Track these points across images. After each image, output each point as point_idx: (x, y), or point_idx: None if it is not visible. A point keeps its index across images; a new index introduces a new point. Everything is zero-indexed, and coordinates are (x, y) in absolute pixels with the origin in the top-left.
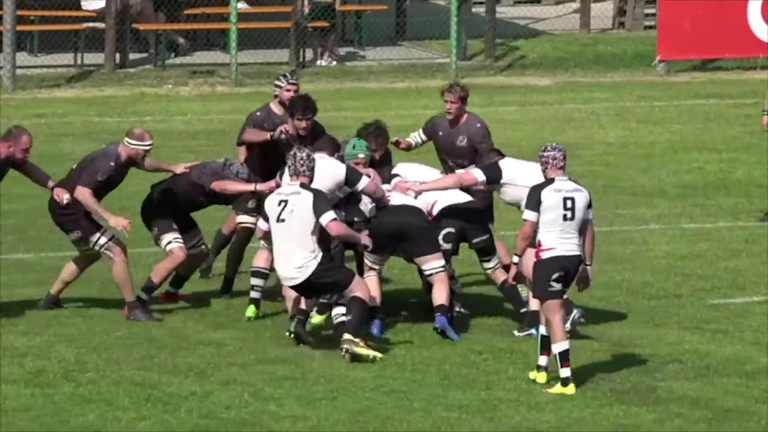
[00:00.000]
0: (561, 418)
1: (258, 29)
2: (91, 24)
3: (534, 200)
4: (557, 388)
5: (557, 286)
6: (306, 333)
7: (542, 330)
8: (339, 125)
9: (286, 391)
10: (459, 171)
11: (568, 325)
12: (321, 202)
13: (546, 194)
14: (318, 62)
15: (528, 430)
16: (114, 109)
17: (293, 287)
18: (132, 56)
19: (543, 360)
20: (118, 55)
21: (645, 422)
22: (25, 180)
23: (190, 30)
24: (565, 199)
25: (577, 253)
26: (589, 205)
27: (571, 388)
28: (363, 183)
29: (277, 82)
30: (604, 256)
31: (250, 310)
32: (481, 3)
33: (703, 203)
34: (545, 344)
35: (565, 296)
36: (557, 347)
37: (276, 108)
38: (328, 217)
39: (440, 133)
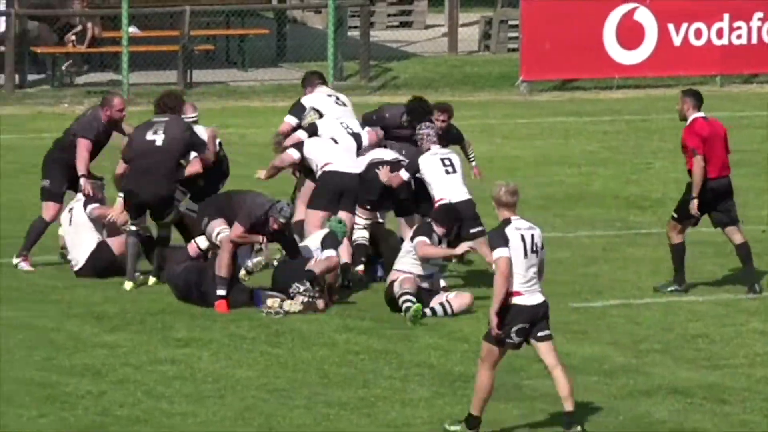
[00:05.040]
0: (433, 414)
1: (148, 52)
2: None
3: None
4: None
5: None
6: None
7: None
8: (224, 141)
9: (177, 390)
10: None
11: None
12: None
13: None
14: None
15: (403, 425)
16: (14, 126)
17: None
18: (30, 77)
19: None
20: (17, 76)
21: (511, 417)
22: None
23: (85, 53)
24: None
25: None
26: None
27: None
28: None
29: None
30: (478, 264)
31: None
32: (355, 27)
33: (564, 214)
34: None
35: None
36: None
37: None
38: None
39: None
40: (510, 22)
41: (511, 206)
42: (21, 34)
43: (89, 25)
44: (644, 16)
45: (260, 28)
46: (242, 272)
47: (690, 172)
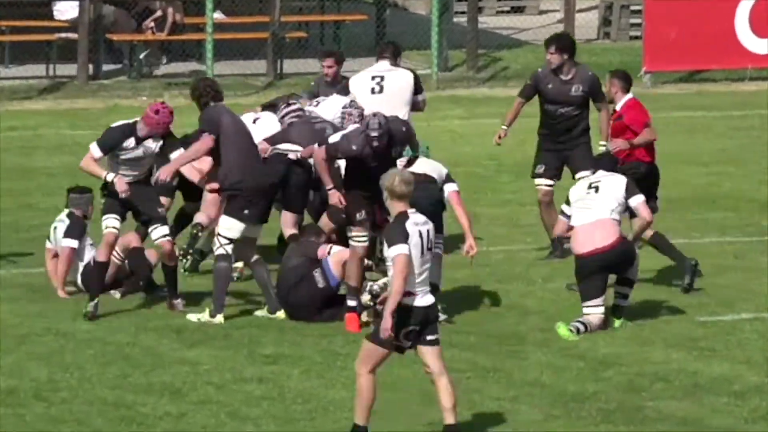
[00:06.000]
0: None
1: (234, 40)
2: (63, 34)
3: None
4: None
5: None
6: None
7: None
8: None
9: (264, 411)
10: None
11: None
12: None
13: None
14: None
15: None
16: (87, 122)
17: None
18: (105, 67)
19: None
20: (91, 66)
21: None
22: None
23: (165, 40)
24: None
25: None
26: None
27: None
28: None
29: None
30: None
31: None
32: (462, 13)
33: (690, 218)
34: None
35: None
36: None
37: None
38: None
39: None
40: (632, 8)
41: (406, 197)
42: (95, 20)
43: (170, 10)
44: None
45: (358, 13)
46: (366, 297)
47: (628, 157)
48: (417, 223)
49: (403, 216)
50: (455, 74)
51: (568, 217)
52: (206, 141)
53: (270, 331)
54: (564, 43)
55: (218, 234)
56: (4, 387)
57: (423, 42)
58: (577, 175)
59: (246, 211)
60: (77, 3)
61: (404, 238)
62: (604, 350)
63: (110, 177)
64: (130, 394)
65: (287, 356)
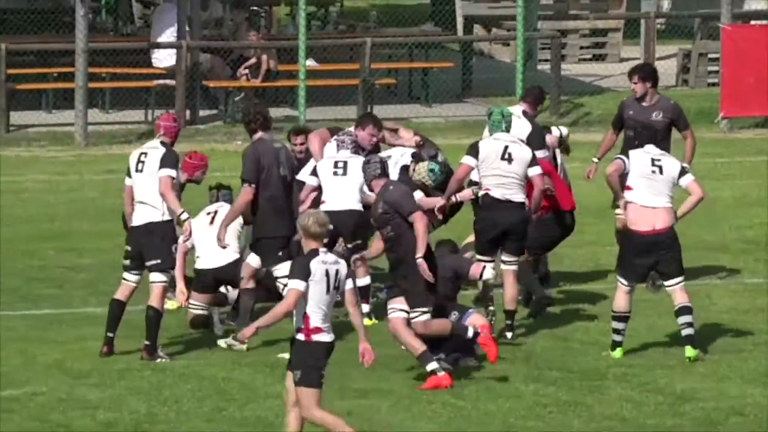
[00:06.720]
0: None
1: (326, 86)
2: (161, 81)
3: None
4: None
5: None
6: None
7: None
8: None
9: None
10: None
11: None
12: None
13: None
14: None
15: None
16: None
17: None
18: (202, 113)
19: None
20: (188, 112)
21: None
22: (97, 235)
23: (259, 87)
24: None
25: None
26: None
27: None
28: None
29: None
30: (668, 309)
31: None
32: (546, 60)
33: (766, 258)
34: None
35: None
36: None
37: None
38: None
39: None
40: (710, 55)
41: (320, 237)
42: (192, 68)
43: (264, 57)
44: None
45: (445, 60)
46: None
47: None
48: (326, 262)
49: (313, 253)
50: (539, 120)
51: (626, 166)
52: (247, 193)
53: (360, 366)
54: (646, 72)
55: (277, 279)
56: (104, 420)
57: (508, 88)
58: None
59: (280, 253)
60: (174, 51)
61: (304, 274)
62: (682, 385)
63: (185, 216)
64: (226, 427)
65: (376, 390)
